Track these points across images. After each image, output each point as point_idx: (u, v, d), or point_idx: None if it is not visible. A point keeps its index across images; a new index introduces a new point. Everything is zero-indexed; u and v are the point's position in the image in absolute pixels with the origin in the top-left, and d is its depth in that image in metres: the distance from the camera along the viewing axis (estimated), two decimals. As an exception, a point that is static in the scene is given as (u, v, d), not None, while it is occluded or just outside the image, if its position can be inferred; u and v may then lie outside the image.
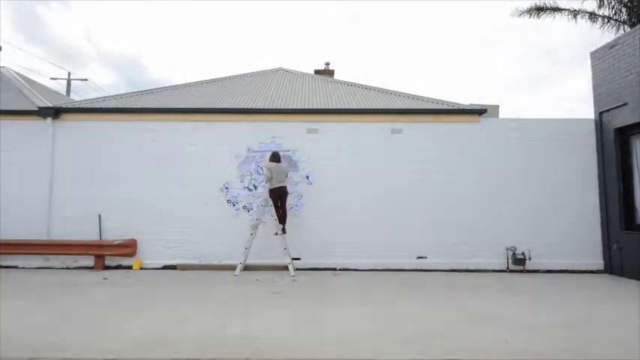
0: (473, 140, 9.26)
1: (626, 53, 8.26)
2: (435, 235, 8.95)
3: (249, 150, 9.24)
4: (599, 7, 12.15)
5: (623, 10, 11.95)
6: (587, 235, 8.90)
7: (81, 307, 5.43)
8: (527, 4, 12.41)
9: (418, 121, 9.34)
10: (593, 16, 12.32)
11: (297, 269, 8.76)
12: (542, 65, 50.46)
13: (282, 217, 8.48)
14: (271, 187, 8.42)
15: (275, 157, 8.54)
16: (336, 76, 14.28)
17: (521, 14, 12.61)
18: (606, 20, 12.22)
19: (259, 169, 9.14)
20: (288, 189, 8.62)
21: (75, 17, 62.24)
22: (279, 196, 8.45)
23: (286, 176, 8.56)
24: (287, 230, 8.44)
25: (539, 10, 12.43)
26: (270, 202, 8.44)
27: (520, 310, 5.49)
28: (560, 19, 12.68)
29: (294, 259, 8.84)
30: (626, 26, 11.93)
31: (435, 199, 9.05)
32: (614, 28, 12.14)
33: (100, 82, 58.42)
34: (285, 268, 8.59)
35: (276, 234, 8.33)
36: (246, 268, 8.56)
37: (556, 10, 12.41)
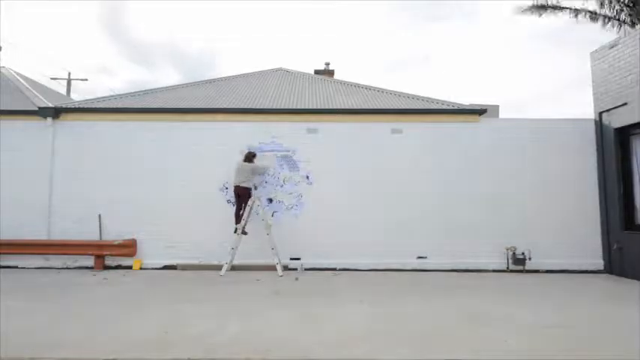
0: (473, 140, 9.26)
1: (626, 53, 8.27)
2: (435, 234, 8.95)
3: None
4: (601, 6, 12.20)
5: (625, 9, 11.98)
6: (587, 235, 8.91)
7: (81, 307, 5.44)
8: (530, 2, 12.52)
9: (418, 121, 9.34)
10: (593, 15, 12.36)
11: (290, 269, 8.77)
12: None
13: (237, 217, 8.50)
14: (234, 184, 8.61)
15: (246, 156, 8.70)
16: (336, 76, 14.29)
17: (523, 11, 12.65)
18: (607, 20, 12.25)
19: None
20: (252, 193, 8.59)
21: (155, 17, 61.98)
22: (236, 194, 8.55)
23: (247, 177, 8.51)
24: (287, 230, 8.42)
25: (541, 8, 12.48)
26: (257, 202, 8.49)
27: (520, 310, 5.49)
28: (562, 17, 12.79)
29: (294, 258, 8.86)
30: (626, 26, 11.96)
31: (435, 199, 9.05)
32: (616, 28, 12.19)
33: (166, 81, 59.06)
34: (287, 268, 8.61)
35: (235, 231, 8.37)
36: (247, 268, 8.57)
37: (557, 8, 12.46)
